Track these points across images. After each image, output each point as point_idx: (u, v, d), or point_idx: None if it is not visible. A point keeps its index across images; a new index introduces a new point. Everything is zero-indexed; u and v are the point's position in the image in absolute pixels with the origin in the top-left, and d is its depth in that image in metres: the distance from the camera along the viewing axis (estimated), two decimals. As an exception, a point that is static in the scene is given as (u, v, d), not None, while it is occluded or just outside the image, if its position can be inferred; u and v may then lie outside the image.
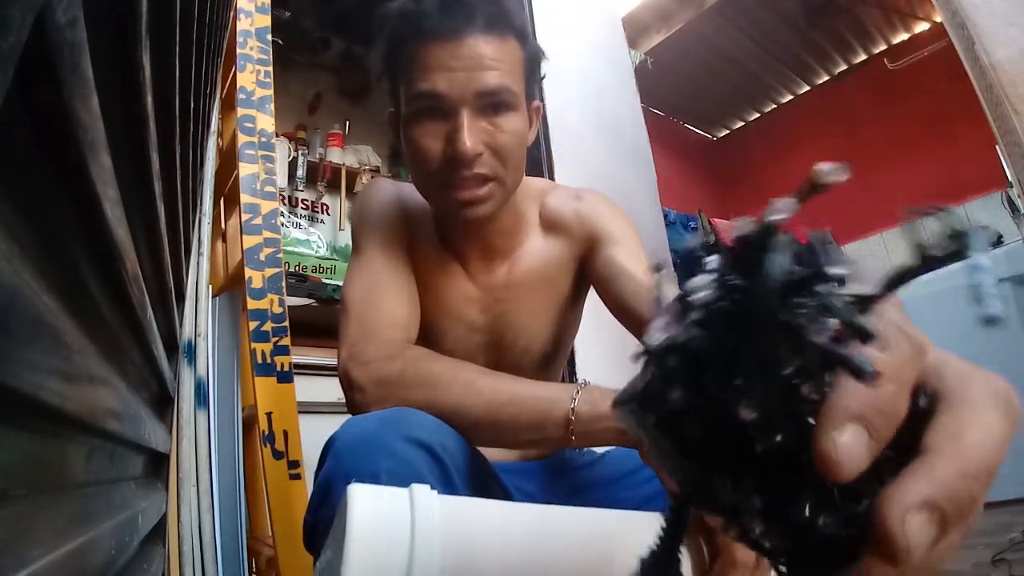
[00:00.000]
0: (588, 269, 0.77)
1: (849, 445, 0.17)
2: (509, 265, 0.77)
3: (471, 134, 0.63)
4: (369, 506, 0.32)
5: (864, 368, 0.17)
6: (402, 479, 0.46)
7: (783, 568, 0.19)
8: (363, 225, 0.77)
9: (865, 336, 0.18)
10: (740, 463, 0.19)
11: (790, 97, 4.74)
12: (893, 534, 0.17)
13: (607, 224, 0.76)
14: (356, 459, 0.48)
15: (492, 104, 0.64)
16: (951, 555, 0.19)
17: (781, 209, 0.19)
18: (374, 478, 0.46)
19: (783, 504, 0.18)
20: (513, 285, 0.76)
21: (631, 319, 0.69)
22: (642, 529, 0.42)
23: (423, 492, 0.34)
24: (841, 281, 0.18)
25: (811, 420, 0.18)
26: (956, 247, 0.18)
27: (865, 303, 0.18)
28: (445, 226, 0.77)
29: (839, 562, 0.18)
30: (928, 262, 0.19)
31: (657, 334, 0.20)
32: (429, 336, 0.75)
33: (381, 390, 0.59)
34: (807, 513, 0.18)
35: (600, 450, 0.81)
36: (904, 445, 0.18)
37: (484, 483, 0.60)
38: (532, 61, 0.70)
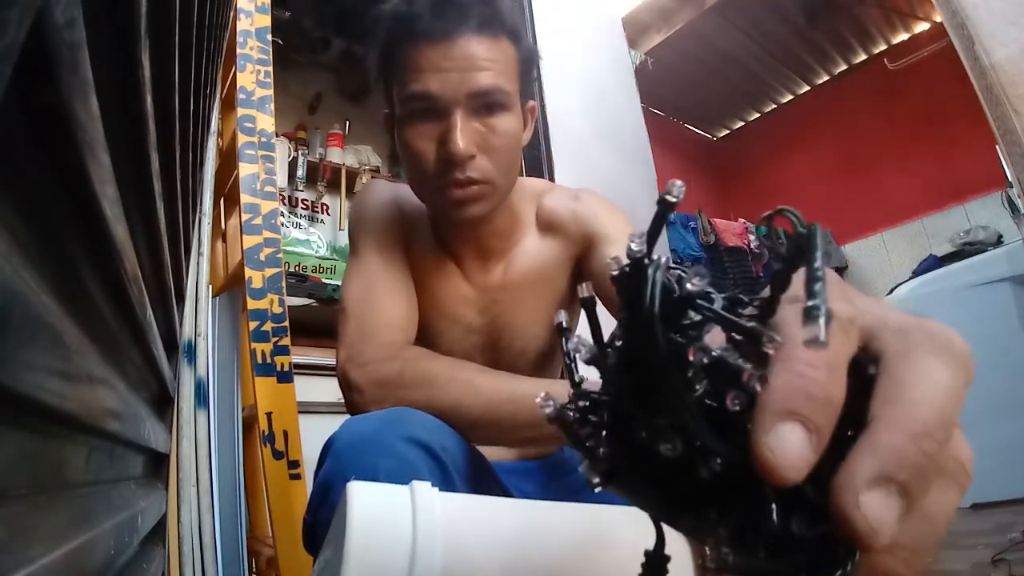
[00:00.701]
0: (585, 269, 0.77)
1: (786, 445, 0.16)
2: (505, 266, 0.77)
3: (464, 135, 0.63)
4: (369, 503, 0.32)
5: (761, 333, 0.17)
6: (401, 479, 0.46)
7: None
8: (360, 227, 0.77)
9: (751, 333, 0.17)
10: (698, 496, 0.18)
11: (790, 97, 4.74)
12: (852, 520, 0.15)
13: (604, 224, 0.75)
14: (355, 459, 0.48)
15: (485, 105, 0.64)
16: (948, 518, 0.18)
17: (636, 242, 0.18)
18: (373, 478, 0.46)
19: (752, 525, 0.18)
20: (509, 286, 0.76)
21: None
22: (642, 524, 0.41)
23: (424, 488, 0.34)
24: (721, 296, 0.18)
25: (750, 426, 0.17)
26: (800, 244, 0.18)
27: (763, 307, 0.18)
28: (441, 227, 0.77)
29: (838, 563, 0.17)
30: (786, 263, 0.18)
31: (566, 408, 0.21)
32: (426, 337, 0.75)
33: (380, 391, 0.60)
34: (777, 524, 0.17)
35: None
36: (862, 422, 0.17)
37: (483, 483, 0.60)
38: (526, 61, 0.70)
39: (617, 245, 0.73)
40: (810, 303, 0.16)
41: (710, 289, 0.18)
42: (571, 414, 0.21)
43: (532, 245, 0.78)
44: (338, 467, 0.48)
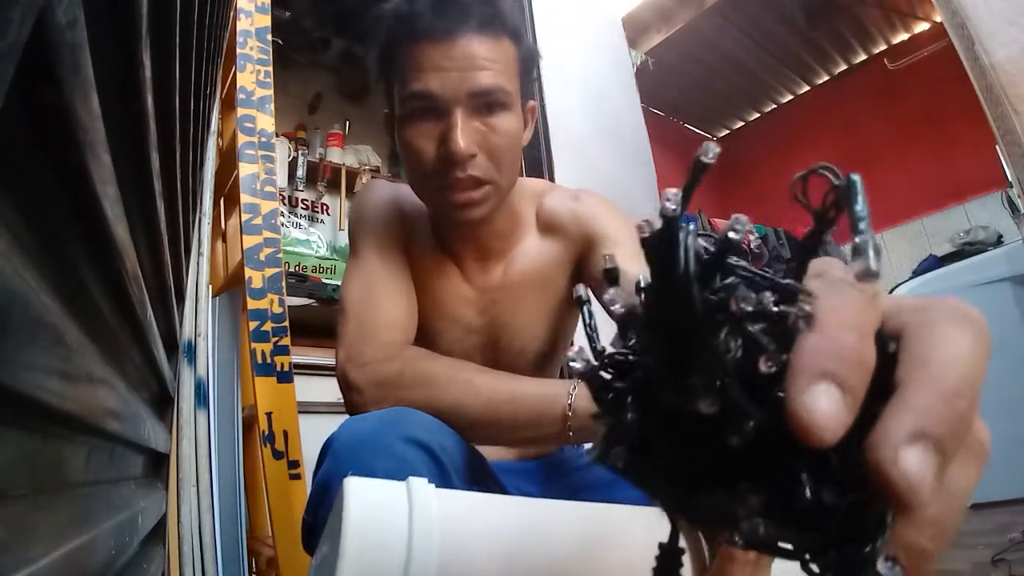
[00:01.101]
0: (585, 270, 0.77)
1: (822, 404, 0.16)
2: (505, 266, 0.77)
3: (464, 134, 0.62)
4: (365, 498, 0.32)
5: (800, 289, 0.17)
6: (400, 479, 0.46)
7: (814, 567, 0.18)
8: (359, 227, 0.77)
9: (792, 293, 0.17)
10: (724, 468, 0.18)
11: (790, 97, 4.74)
12: (891, 477, 0.15)
13: (604, 225, 0.75)
14: (354, 459, 0.48)
15: (486, 104, 0.64)
16: (969, 494, 0.18)
17: (672, 200, 0.18)
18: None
19: (782, 494, 0.17)
20: (509, 286, 0.76)
21: None
22: (641, 524, 0.41)
23: (420, 484, 0.34)
24: (752, 259, 0.18)
25: (780, 394, 0.16)
26: (840, 197, 0.18)
27: (792, 273, 0.18)
28: (441, 227, 0.77)
29: (867, 538, 0.17)
30: (821, 220, 0.19)
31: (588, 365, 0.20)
32: (426, 337, 0.75)
33: (379, 391, 0.60)
34: (809, 495, 0.17)
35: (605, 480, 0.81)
36: (887, 394, 0.17)
37: (483, 483, 0.60)
38: (527, 61, 0.70)
39: (618, 246, 0.73)
40: (858, 239, 0.16)
41: (752, 234, 0.18)
42: (603, 372, 0.20)
43: (532, 246, 0.78)
44: (337, 467, 0.48)
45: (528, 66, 0.71)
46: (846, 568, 0.17)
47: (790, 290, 0.18)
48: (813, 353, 0.16)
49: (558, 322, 0.80)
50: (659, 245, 0.18)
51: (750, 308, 0.17)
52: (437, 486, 0.48)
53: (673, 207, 0.18)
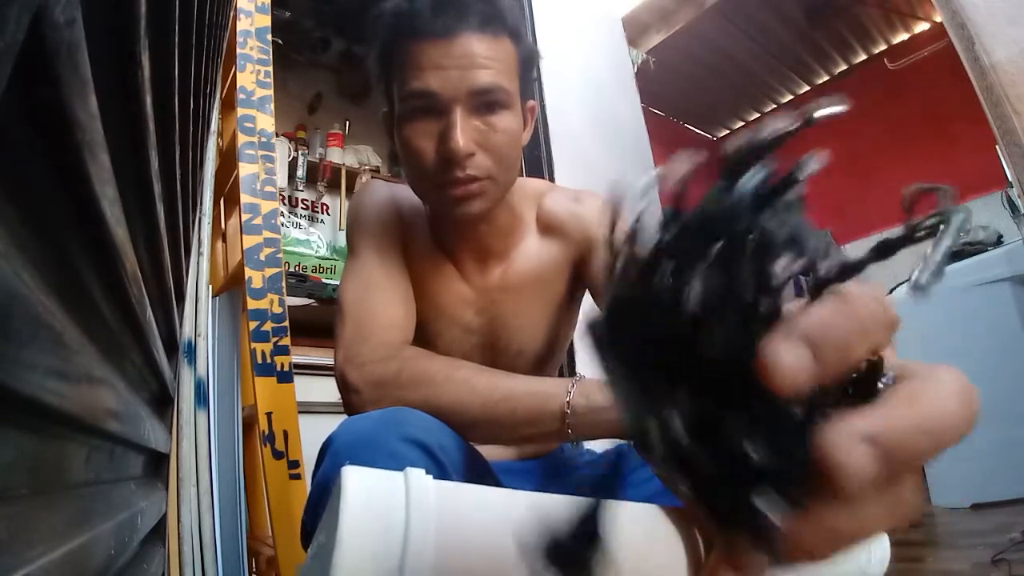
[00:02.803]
0: (584, 272, 0.77)
1: (793, 358, 0.17)
2: (504, 267, 0.77)
3: (464, 133, 0.62)
4: (363, 488, 0.32)
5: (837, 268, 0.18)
6: None
7: (713, 499, 0.18)
8: (357, 227, 0.77)
9: (820, 259, 0.18)
10: (681, 373, 0.18)
11: (790, 97, 4.74)
12: (836, 457, 0.16)
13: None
14: (353, 459, 0.48)
15: (485, 103, 0.64)
16: (897, 518, 0.18)
17: (770, 129, 0.18)
18: None
19: (714, 418, 0.18)
20: (508, 287, 0.76)
21: None
22: (640, 520, 0.41)
23: (418, 475, 0.33)
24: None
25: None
26: (937, 220, 0.18)
27: (847, 270, 0.19)
28: (440, 227, 0.77)
29: (775, 503, 0.17)
30: (910, 232, 0.19)
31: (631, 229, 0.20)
32: (425, 338, 0.75)
33: (377, 391, 0.59)
34: (735, 433, 0.17)
35: (599, 450, 0.81)
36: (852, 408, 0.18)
37: (482, 483, 0.59)
38: (527, 60, 0.70)
39: None
40: (934, 260, 0.19)
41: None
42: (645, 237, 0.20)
43: (532, 246, 0.78)
44: (336, 466, 0.48)
45: (528, 66, 0.71)
46: (732, 506, 0.18)
47: (819, 252, 0.18)
48: (809, 319, 0.17)
49: (557, 323, 0.80)
50: (736, 162, 0.19)
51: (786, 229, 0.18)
52: None
53: (767, 136, 0.19)
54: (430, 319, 0.76)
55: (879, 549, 0.49)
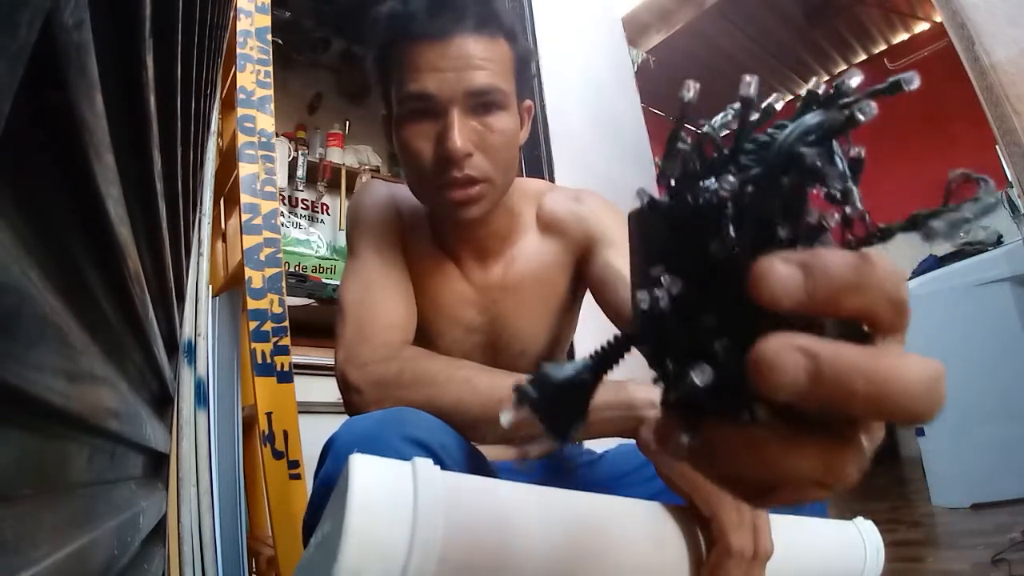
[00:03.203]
0: (585, 271, 0.77)
1: (783, 273, 0.17)
2: (505, 266, 0.77)
3: (461, 134, 0.63)
4: (371, 476, 0.31)
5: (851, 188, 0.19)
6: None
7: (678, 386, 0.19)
8: (357, 227, 0.77)
9: (848, 199, 0.19)
10: (690, 262, 0.19)
11: (790, 97, 4.75)
12: (766, 353, 0.16)
13: (605, 226, 0.75)
14: None
15: (482, 104, 0.64)
16: (831, 475, 0.18)
17: (852, 77, 0.20)
18: None
19: (697, 303, 0.19)
20: (509, 286, 0.76)
21: (616, 316, 0.71)
22: (643, 517, 0.41)
23: (426, 465, 0.33)
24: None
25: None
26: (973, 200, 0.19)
27: (875, 234, 0.20)
28: (440, 227, 0.77)
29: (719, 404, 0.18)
30: (943, 210, 0.20)
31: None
32: (426, 337, 0.75)
33: (378, 391, 0.59)
34: (708, 321, 0.19)
35: (600, 449, 0.81)
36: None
37: None
38: (523, 61, 0.70)
39: (618, 248, 0.73)
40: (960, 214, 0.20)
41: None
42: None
43: (532, 245, 0.78)
44: (338, 467, 0.48)
45: (523, 66, 0.71)
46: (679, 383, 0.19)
47: (851, 195, 0.20)
48: (821, 254, 0.17)
49: (559, 323, 0.80)
50: (809, 103, 0.20)
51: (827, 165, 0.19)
52: None
53: (849, 82, 0.20)
54: (431, 319, 0.76)
55: (872, 548, 0.50)
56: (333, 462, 0.49)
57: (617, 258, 0.73)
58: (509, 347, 0.77)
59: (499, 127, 0.66)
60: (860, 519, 0.54)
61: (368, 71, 0.72)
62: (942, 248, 2.88)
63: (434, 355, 0.63)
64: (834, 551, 0.51)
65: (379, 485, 0.31)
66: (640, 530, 0.40)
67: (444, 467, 0.49)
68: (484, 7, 0.65)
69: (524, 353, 0.78)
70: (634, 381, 0.49)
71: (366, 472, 0.32)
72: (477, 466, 0.58)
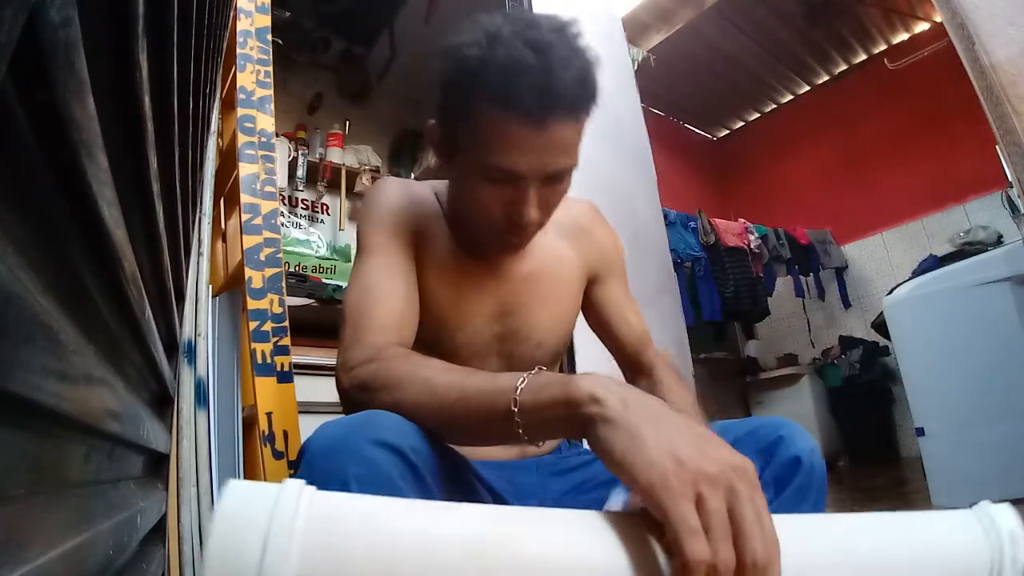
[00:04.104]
0: (590, 292, 0.85)
1: None
2: (526, 260, 0.80)
3: (535, 205, 0.66)
4: (233, 506, 0.32)
5: None
6: (371, 483, 0.45)
7: None
8: (366, 226, 0.77)
9: None
10: None
11: (790, 97, 4.74)
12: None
13: (613, 258, 0.87)
14: (326, 465, 0.47)
15: (556, 177, 0.67)
16: None
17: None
18: (343, 484, 0.45)
19: None
20: (531, 279, 0.80)
21: (612, 345, 0.86)
22: (571, 530, 0.37)
23: (291, 488, 0.33)
24: None
25: None
26: None
27: None
28: (466, 229, 0.78)
29: None
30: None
31: None
32: (445, 330, 0.76)
33: (359, 395, 0.60)
34: None
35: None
36: None
37: (461, 483, 0.59)
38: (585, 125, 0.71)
39: (622, 281, 0.88)
40: None
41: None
42: None
43: (550, 243, 0.82)
44: (311, 473, 0.48)
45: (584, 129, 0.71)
46: None
47: None
48: None
49: (571, 317, 0.85)
50: None
51: None
52: (410, 489, 0.47)
53: None
54: (452, 313, 0.76)
55: (1005, 536, 0.40)
56: (307, 468, 0.49)
57: (622, 291, 0.87)
58: (528, 338, 0.79)
59: (562, 190, 0.69)
60: (986, 503, 0.44)
61: (448, 111, 0.69)
62: (942, 248, 2.88)
63: (410, 356, 0.62)
64: (945, 548, 0.41)
65: (238, 512, 0.32)
66: (598, 538, 0.36)
67: (414, 469, 0.49)
68: (584, 91, 0.64)
69: (541, 345, 0.80)
70: (588, 375, 0.46)
71: (231, 499, 0.32)
72: (453, 467, 0.57)
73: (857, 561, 0.38)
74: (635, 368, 0.85)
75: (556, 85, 0.60)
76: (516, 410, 0.48)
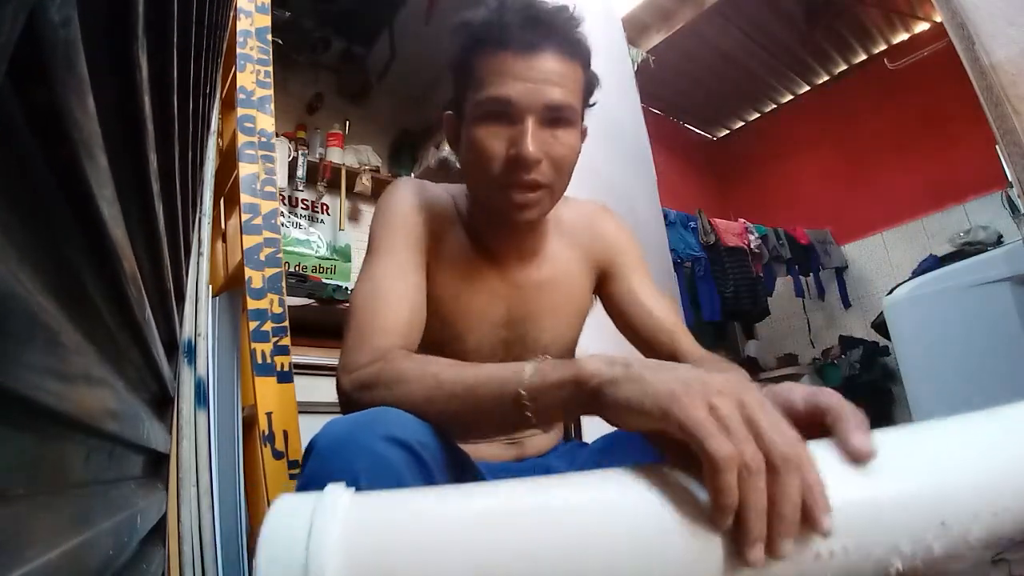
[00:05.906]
0: (606, 291, 0.85)
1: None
2: (538, 264, 0.80)
3: (535, 141, 0.66)
4: (278, 518, 0.32)
5: None
6: (380, 478, 0.45)
7: None
8: (379, 226, 0.77)
9: None
10: None
11: (790, 97, 4.74)
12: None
13: (622, 250, 0.85)
14: (335, 460, 0.48)
15: (555, 118, 0.68)
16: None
17: None
18: (353, 478, 0.45)
19: None
20: (543, 284, 0.80)
21: (642, 344, 0.81)
22: (619, 487, 0.36)
23: (328, 499, 0.33)
24: None
25: None
26: None
27: None
28: (483, 226, 0.79)
29: None
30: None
31: None
32: (453, 333, 0.76)
33: (361, 394, 0.60)
34: None
35: (600, 448, 0.81)
36: None
37: (467, 477, 0.59)
38: (589, 88, 0.75)
39: (639, 273, 0.85)
40: None
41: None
42: None
43: (559, 247, 0.83)
44: (319, 469, 0.48)
45: (589, 93, 0.75)
46: None
47: None
48: None
49: (579, 323, 0.85)
50: None
51: None
52: (418, 483, 0.47)
53: None
54: (461, 315, 0.77)
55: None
56: (314, 464, 0.49)
57: (640, 284, 0.84)
58: (536, 344, 0.79)
59: (566, 141, 0.70)
60: None
61: (449, 70, 0.74)
62: (942, 248, 2.88)
63: (416, 355, 0.62)
64: None
65: (281, 524, 0.32)
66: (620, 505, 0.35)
67: (423, 463, 0.49)
68: (570, 31, 0.70)
69: (549, 348, 0.80)
70: (593, 355, 0.47)
71: (278, 512, 0.32)
72: (459, 462, 0.58)
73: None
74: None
75: (543, 16, 0.67)
76: (525, 393, 0.49)
